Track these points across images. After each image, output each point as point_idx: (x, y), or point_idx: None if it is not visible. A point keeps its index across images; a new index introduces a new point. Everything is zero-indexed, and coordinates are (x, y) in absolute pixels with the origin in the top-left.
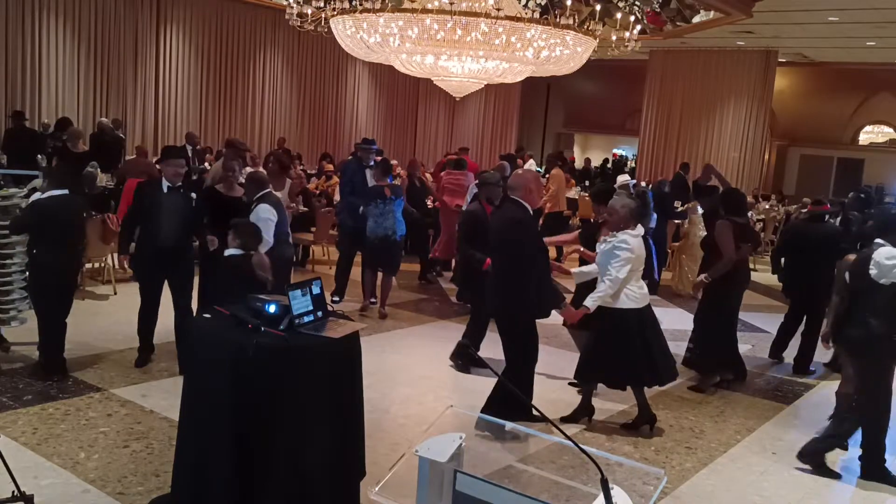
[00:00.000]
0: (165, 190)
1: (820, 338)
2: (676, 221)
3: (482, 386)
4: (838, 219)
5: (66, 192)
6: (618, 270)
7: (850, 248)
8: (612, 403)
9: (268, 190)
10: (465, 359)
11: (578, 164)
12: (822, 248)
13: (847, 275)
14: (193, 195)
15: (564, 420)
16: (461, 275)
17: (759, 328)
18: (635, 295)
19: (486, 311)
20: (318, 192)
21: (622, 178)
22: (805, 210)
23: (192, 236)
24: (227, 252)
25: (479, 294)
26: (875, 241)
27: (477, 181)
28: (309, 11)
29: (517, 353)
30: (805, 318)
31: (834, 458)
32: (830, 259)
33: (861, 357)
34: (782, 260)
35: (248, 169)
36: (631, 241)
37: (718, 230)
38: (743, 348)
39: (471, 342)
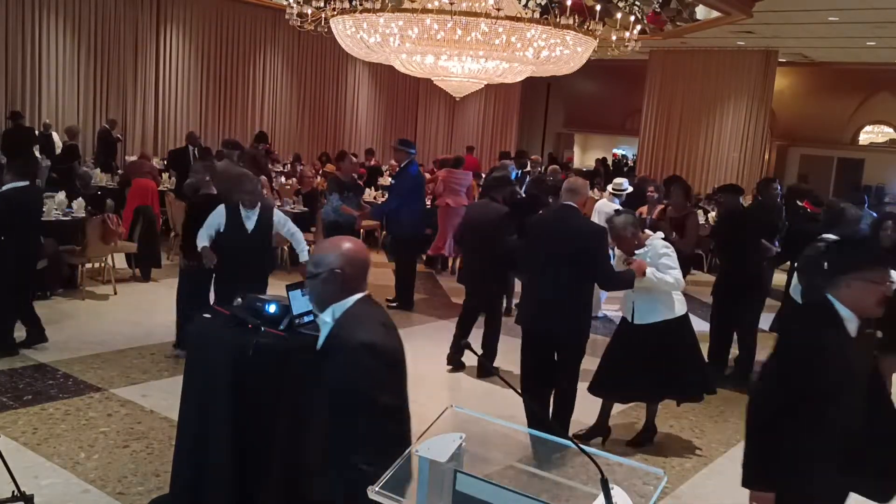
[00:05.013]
0: None
1: None
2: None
3: (482, 386)
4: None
5: (27, 183)
6: (678, 272)
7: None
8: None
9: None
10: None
11: (579, 163)
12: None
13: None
14: None
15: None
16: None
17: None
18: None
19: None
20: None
21: (619, 181)
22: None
23: None
24: None
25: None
26: None
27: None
28: (309, 11)
29: None
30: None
31: None
32: None
33: None
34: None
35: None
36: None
37: None
38: None
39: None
